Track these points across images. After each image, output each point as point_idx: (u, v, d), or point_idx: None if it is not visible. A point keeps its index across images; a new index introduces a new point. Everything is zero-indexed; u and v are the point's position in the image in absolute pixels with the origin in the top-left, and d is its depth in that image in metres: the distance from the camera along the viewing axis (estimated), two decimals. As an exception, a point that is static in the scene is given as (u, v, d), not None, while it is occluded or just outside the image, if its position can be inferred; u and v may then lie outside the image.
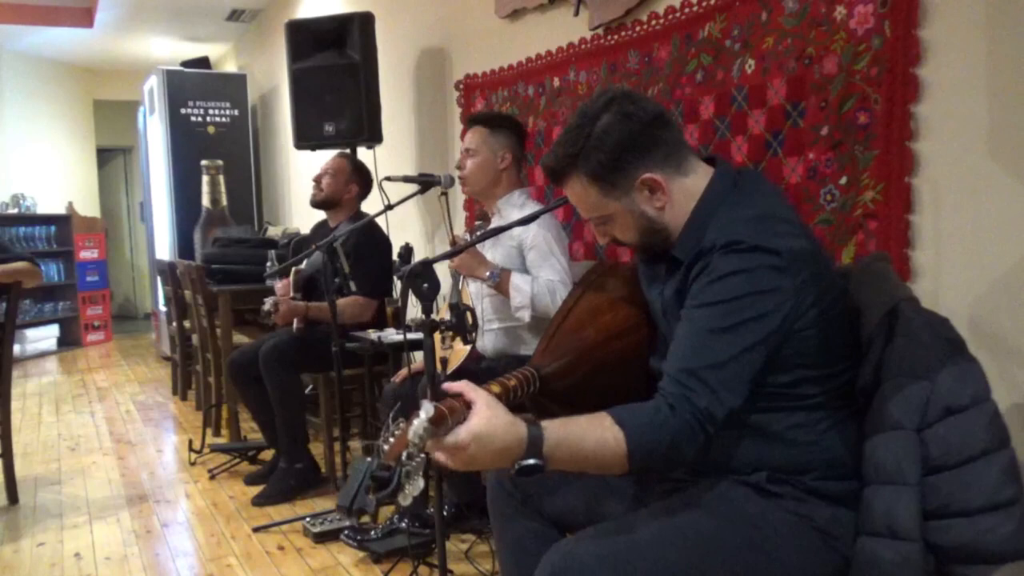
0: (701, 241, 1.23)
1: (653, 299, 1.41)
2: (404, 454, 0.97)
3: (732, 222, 1.21)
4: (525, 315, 2.23)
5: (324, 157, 3.37)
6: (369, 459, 1.07)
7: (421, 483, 0.99)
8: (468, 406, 1.06)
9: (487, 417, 1.04)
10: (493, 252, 2.38)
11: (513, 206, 2.40)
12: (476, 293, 2.43)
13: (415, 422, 0.96)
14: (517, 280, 2.23)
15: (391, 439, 0.99)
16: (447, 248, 2.38)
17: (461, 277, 2.38)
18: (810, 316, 1.18)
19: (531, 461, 1.04)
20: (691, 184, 1.29)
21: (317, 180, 3.17)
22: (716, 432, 1.12)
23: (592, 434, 1.08)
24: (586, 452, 1.08)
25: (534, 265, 2.29)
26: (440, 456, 1.04)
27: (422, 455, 0.98)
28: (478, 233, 2.19)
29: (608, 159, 1.26)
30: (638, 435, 1.09)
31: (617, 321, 1.42)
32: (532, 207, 2.36)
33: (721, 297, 1.15)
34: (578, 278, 2.41)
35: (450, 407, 1.03)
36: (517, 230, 2.22)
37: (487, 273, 2.26)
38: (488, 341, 2.43)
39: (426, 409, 0.98)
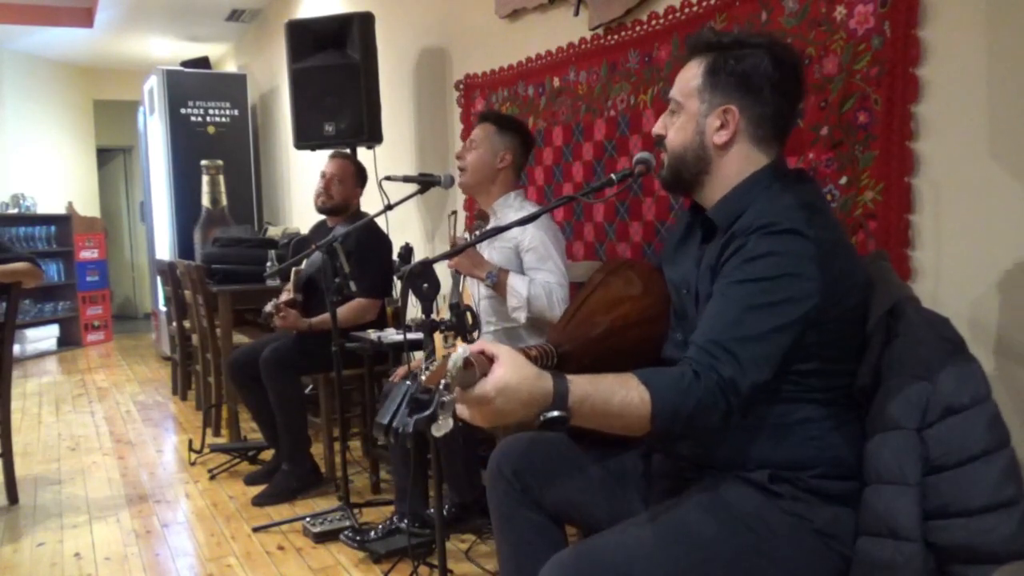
0: (738, 217, 1.24)
1: (673, 275, 1.42)
2: (442, 383, 0.97)
3: (770, 209, 1.22)
4: (521, 316, 2.23)
5: (324, 157, 3.38)
6: (408, 383, 1.07)
7: (451, 423, 0.99)
8: (490, 360, 1.05)
9: (512, 368, 1.03)
10: (489, 254, 2.37)
11: (509, 207, 2.39)
12: (474, 295, 2.43)
13: (453, 355, 0.97)
14: (514, 281, 2.23)
15: (430, 369, 0.99)
16: (447, 248, 2.38)
17: (462, 277, 2.38)
18: (836, 308, 1.19)
19: (556, 413, 1.04)
20: (752, 156, 1.30)
21: (327, 187, 3.16)
22: (739, 404, 1.13)
23: (619, 392, 1.09)
24: (611, 409, 1.08)
25: (531, 267, 2.29)
26: (466, 412, 1.03)
27: (454, 394, 0.98)
28: (477, 233, 2.19)
29: (737, 70, 1.27)
30: (663, 397, 1.09)
31: (635, 311, 1.42)
32: (529, 208, 2.35)
33: (753, 276, 1.17)
34: (578, 278, 2.44)
35: (475, 359, 1.02)
36: (514, 231, 2.21)
37: (485, 274, 2.26)
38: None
39: (463, 347, 0.98)
